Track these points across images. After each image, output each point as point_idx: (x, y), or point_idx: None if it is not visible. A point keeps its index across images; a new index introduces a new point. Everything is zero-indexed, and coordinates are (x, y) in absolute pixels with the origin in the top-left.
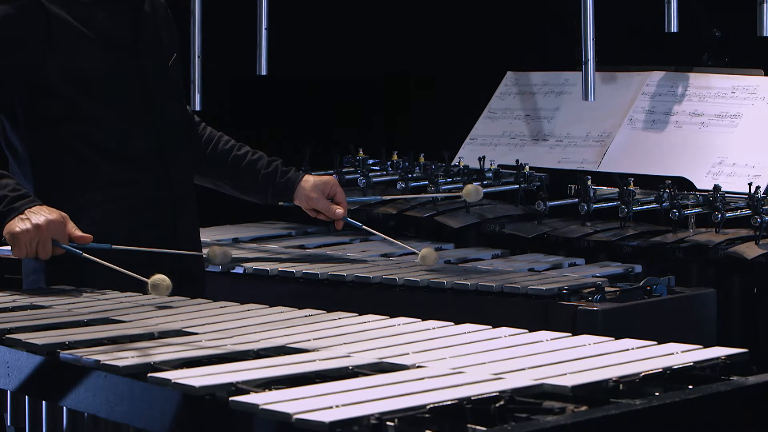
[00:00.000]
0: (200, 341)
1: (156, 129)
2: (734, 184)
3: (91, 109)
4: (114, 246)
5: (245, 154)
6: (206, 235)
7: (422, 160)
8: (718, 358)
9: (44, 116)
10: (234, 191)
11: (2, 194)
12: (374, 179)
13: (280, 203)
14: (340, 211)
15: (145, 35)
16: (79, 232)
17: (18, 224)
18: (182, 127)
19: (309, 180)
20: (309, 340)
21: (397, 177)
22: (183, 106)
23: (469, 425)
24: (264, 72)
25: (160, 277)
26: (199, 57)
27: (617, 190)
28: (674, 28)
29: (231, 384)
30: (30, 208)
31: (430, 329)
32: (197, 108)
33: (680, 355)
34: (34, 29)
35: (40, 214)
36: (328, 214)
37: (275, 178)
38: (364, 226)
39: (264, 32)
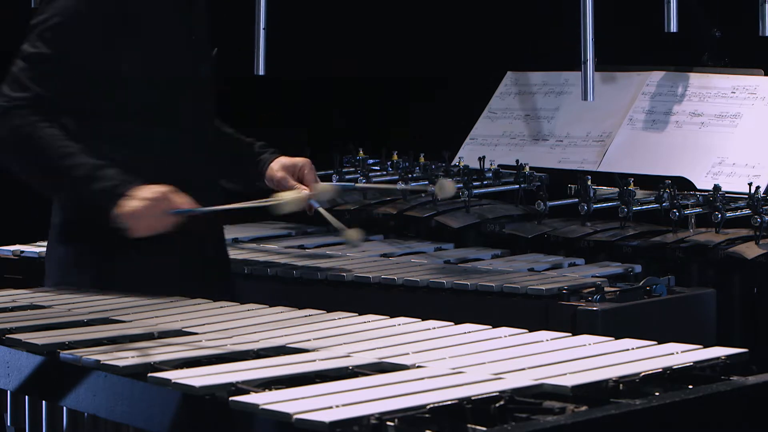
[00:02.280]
0: (200, 341)
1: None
2: (734, 184)
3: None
4: (221, 207)
5: (238, 139)
6: None
7: (422, 160)
8: (718, 358)
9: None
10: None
11: (105, 185)
12: (374, 179)
13: (257, 183)
14: (307, 192)
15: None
16: (187, 201)
17: (128, 204)
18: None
19: (279, 160)
20: (309, 340)
21: (397, 177)
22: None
23: (469, 425)
24: (262, 72)
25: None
26: None
27: (617, 190)
28: (674, 28)
29: (231, 384)
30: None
31: (430, 329)
32: None
33: (680, 355)
34: (104, 22)
35: (144, 191)
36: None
37: (254, 154)
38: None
39: (262, 32)
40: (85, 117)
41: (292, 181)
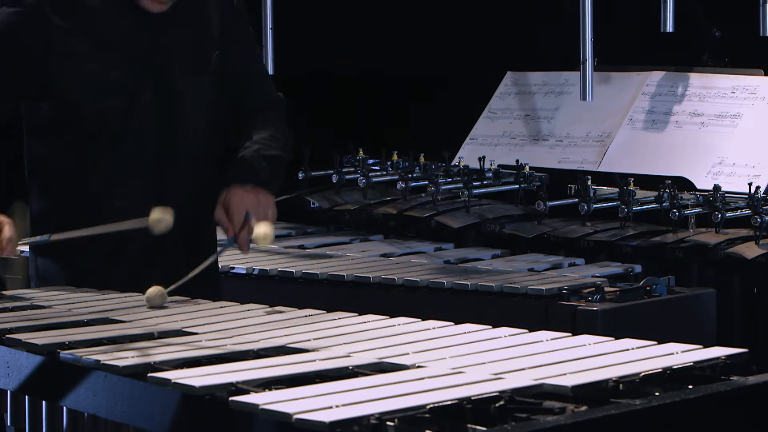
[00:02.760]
0: (200, 341)
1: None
2: (734, 184)
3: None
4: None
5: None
6: None
7: (422, 160)
8: (718, 358)
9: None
10: None
11: None
12: (374, 179)
13: None
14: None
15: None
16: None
17: None
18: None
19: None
20: (309, 340)
21: (397, 177)
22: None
23: (469, 425)
24: (270, 72)
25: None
26: None
27: (617, 190)
28: (670, 28)
29: (231, 384)
30: None
31: (430, 329)
32: None
33: (680, 355)
34: (35, 38)
35: None
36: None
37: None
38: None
39: (269, 32)
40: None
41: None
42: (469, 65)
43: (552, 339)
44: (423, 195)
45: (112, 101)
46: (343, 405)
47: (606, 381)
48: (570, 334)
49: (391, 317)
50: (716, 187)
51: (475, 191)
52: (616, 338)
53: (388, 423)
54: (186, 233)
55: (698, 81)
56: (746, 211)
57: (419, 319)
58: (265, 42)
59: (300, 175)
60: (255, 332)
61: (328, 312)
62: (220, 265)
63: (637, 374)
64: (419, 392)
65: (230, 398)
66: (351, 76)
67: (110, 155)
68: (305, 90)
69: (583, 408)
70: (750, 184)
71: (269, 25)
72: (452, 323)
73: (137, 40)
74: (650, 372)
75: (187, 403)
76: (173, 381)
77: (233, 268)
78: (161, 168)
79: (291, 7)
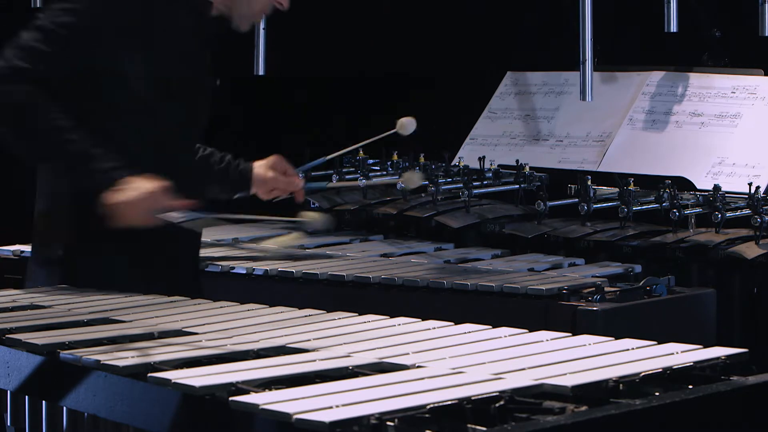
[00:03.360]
0: (200, 341)
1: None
2: (734, 184)
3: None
4: (216, 216)
5: (197, 151)
6: (206, 235)
7: (422, 160)
8: (718, 358)
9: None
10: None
11: (102, 166)
12: (374, 179)
13: (234, 196)
14: (299, 180)
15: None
16: (178, 202)
17: (119, 195)
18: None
19: (259, 164)
20: (309, 340)
21: (397, 177)
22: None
23: (469, 425)
24: (262, 72)
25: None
26: None
27: (617, 190)
28: (674, 28)
29: (231, 384)
30: (125, 178)
31: (430, 329)
32: None
33: (680, 355)
34: (113, 22)
35: (138, 183)
36: (289, 188)
37: (228, 171)
38: (329, 184)
39: (262, 32)
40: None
41: (282, 177)
42: (469, 65)
43: (552, 339)
44: (423, 195)
45: (170, 106)
46: (343, 405)
47: (606, 381)
48: (570, 334)
49: (391, 317)
50: (716, 187)
51: (475, 191)
52: (616, 338)
53: (388, 423)
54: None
55: (698, 81)
56: (746, 211)
57: (419, 319)
58: (257, 42)
59: (300, 175)
60: (255, 332)
61: (328, 312)
62: (220, 266)
63: (637, 374)
64: (419, 392)
65: (230, 398)
66: (351, 76)
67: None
68: (305, 90)
69: (583, 408)
70: (750, 184)
71: (262, 25)
72: (452, 323)
73: (200, 52)
74: (650, 372)
75: (187, 403)
76: (173, 381)
77: (233, 268)
78: (186, 162)
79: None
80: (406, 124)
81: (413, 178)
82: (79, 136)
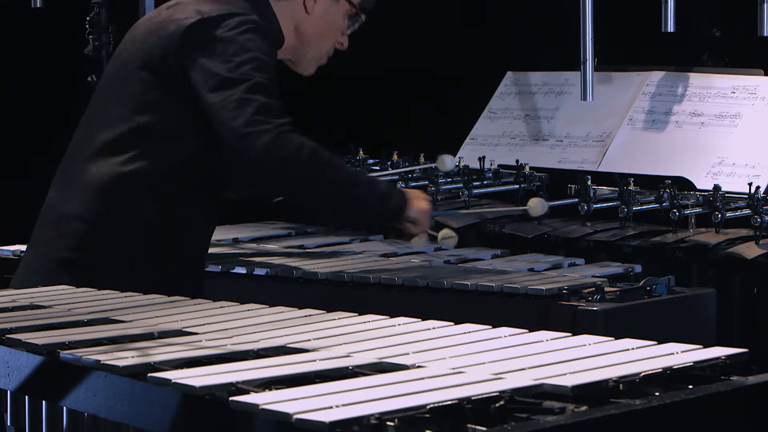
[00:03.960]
0: (200, 341)
1: None
2: (734, 184)
3: None
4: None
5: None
6: None
7: (422, 160)
8: (718, 358)
9: None
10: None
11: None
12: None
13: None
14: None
15: None
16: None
17: (422, 204)
18: None
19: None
20: (309, 340)
21: (397, 177)
22: None
23: (469, 425)
24: None
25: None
26: None
27: (617, 190)
28: (671, 28)
29: (231, 384)
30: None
31: (430, 329)
32: None
33: (680, 355)
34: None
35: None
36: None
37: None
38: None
39: None
40: None
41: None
42: (469, 65)
43: (552, 339)
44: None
45: None
46: (343, 405)
47: (606, 381)
48: (570, 334)
49: (391, 317)
50: (716, 187)
51: (475, 191)
52: (616, 338)
53: (388, 423)
54: None
55: (698, 81)
56: (746, 211)
57: (419, 319)
58: None
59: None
60: (255, 332)
61: (328, 312)
62: (219, 266)
63: (637, 374)
64: (419, 392)
65: (230, 398)
66: (350, 76)
67: None
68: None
69: (583, 408)
70: (750, 184)
71: None
72: (452, 323)
73: None
74: (650, 372)
75: (187, 403)
76: (173, 381)
77: (233, 268)
78: None
79: None
80: (446, 161)
81: (446, 161)
82: (367, 182)
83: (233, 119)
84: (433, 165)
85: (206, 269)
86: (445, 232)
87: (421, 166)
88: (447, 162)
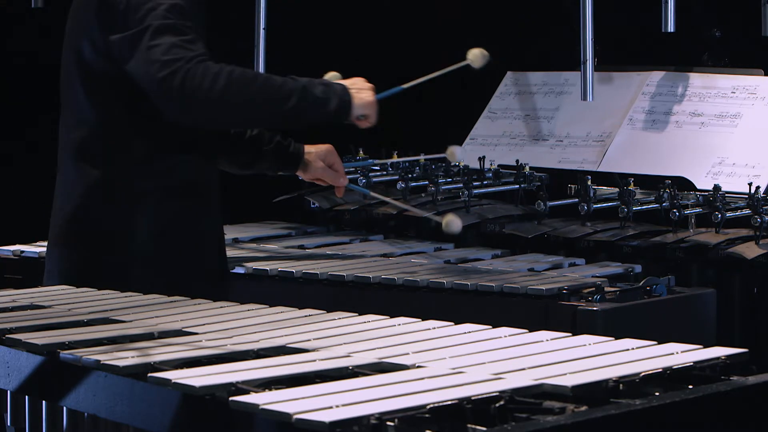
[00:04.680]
0: (200, 341)
1: None
2: (734, 184)
3: None
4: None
5: (244, 131)
6: None
7: (422, 160)
8: (718, 358)
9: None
10: (231, 167)
11: (335, 89)
12: (374, 179)
13: (279, 173)
14: (344, 180)
15: None
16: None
17: (365, 96)
18: None
19: (311, 150)
20: (309, 340)
21: (397, 177)
22: None
23: (469, 425)
24: (263, 71)
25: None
26: None
27: (617, 190)
28: (671, 28)
29: (231, 384)
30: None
31: (430, 329)
32: None
33: (680, 355)
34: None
35: (357, 82)
36: (333, 182)
37: (279, 151)
38: (371, 193)
39: (262, 32)
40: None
41: (330, 170)
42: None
43: (552, 339)
44: (423, 195)
45: None
46: (343, 405)
47: (606, 381)
48: (570, 334)
49: (391, 317)
50: (716, 187)
51: (475, 191)
52: (616, 338)
53: (388, 423)
54: None
55: (698, 81)
56: (746, 211)
57: (419, 319)
58: (257, 42)
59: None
60: (255, 332)
61: (328, 312)
62: None
63: (637, 374)
64: (419, 392)
65: (230, 398)
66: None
67: None
68: None
69: (583, 408)
70: (750, 184)
71: (262, 25)
72: (452, 323)
73: None
74: (650, 372)
75: (187, 403)
76: (173, 381)
77: (233, 268)
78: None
79: (286, 6)
80: (478, 55)
81: (455, 153)
82: (298, 81)
83: (147, 73)
84: (443, 155)
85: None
86: (449, 218)
87: (429, 157)
88: (457, 153)
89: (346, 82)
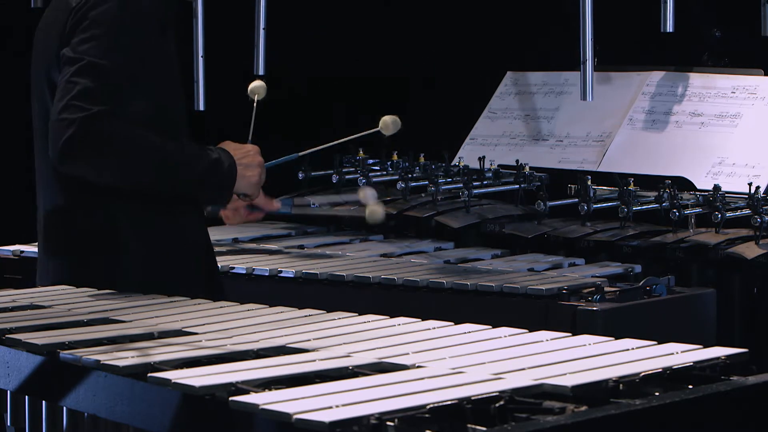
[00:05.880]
0: (200, 341)
1: None
2: (734, 184)
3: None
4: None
5: None
6: None
7: (422, 160)
8: (718, 358)
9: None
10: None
11: (205, 163)
12: (374, 179)
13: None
14: (276, 203)
15: None
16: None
17: (250, 173)
18: None
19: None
20: (309, 340)
21: (397, 177)
22: None
23: (469, 425)
24: (262, 72)
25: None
26: (202, 57)
27: (617, 190)
28: (670, 28)
29: (231, 384)
30: (236, 157)
31: (430, 329)
32: (201, 107)
33: (680, 355)
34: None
35: (248, 156)
36: (267, 207)
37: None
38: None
39: (262, 32)
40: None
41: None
42: (469, 65)
43: (552, 339)
44: (423, 195)
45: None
46: (343, 405)
47: (606, 381)
48: (570, 334)
49: (391, 317)
50: (716, 187)
51: (475, 191)
52: (616, 338)
53: (388, 423)
54: None
55: (698, 81)
56: (746, 211)
57: (419, 319)
58: (257, 42)
59: (300, 175)
60: (255, 332)
61: (328, 312)
62: (219, 265)
63: (637, 374)
64: (419, 392)
65: (230, 398)
66: (350, 76)
67: None
68: (305, 90)
69: (583, 408)
70: (750, 184)
71: (262, 25)
72: (452, 323)
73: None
74: (650, 372)
75: (187, 403)
76: (173, 381)
77: (233, 268)
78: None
79: (287, 6)
80: (389, 124)
81: (377, 212)
82: (194, 160)
83: (56, 102)
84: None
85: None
86: (371, 209)
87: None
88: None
89: (237, 154)
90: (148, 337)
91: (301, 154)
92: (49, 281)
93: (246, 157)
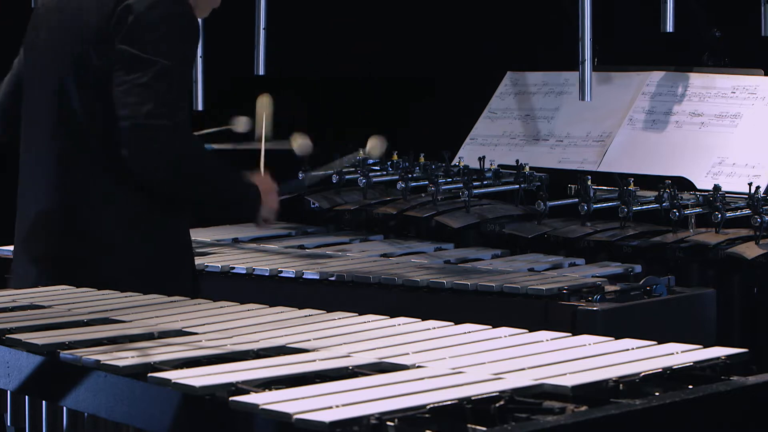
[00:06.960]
0: (200, 341)
1: None
2: (734, 184)
3: None
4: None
5: None
6: (206, 235)
7: (422, 160)
8: (718, 358)
9: None
10: None
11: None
12: (374, 179)
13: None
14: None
15: None
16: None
17: (270, 198)
18: None
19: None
20: (309, 340)
21: (397, 177)
22: None
23: (469, 425)
24: (261, 72)
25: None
26: (201, 57)
27: (617, 190)
28: (671, 28)
29: (231, 384)
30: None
31: (430, 329)
32: (200, 108)
33: (680, 355)
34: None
35: (267, 183)
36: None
37: None
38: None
39: (262, 32)
40: None
41: None
42: (469, 65)
43: (552, 339)
44: (423, 195)
45: None
46: (343, 405)
47: (606, 381)
48: (570, 334)
49: (391, 317)
50: (716, 187)
51: (475, 191)
52: (616, 338)
53: (388, 423)
54: None
55: (698, 81)
56: (746, 211)
57: (419, 319)
58: (257, 42)
59: (300, 175)
60: (255, 332)
61: (328, 312)
62: (220, 266)
63: (637, 374)
64: (419, 392)
65: (230, 398)
66: (350, 76)
67: None
68: (305, 91)
69: (583, 408)
70: (750, 184)
71: (262, 25)
72: (452, 323)
73: None
74: (650, 372)
75: (187, 403)
76: (173, 381)
77: (233, 268)
78: None
79: (287, 6)
80: (377, 146)
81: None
82: (232, 186)
83: (133, 104)
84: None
85: (206, 269)
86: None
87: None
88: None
89: (256, 181)
90: (148, 337)
91: (305, 183)
92: (31, 283)
93: (263, 184)
